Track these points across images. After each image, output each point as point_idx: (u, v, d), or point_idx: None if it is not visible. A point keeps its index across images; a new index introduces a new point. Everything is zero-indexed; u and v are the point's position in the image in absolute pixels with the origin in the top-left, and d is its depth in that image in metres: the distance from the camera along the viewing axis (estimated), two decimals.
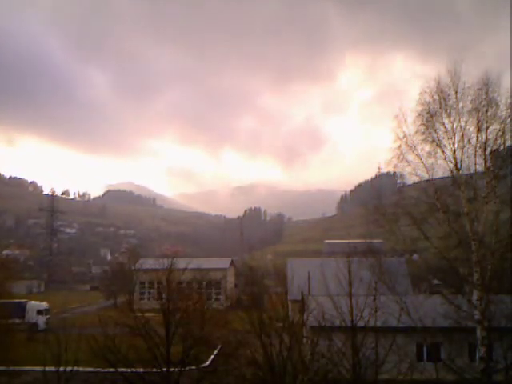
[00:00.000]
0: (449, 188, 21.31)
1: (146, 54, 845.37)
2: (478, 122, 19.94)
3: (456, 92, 20.46)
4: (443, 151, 20.72)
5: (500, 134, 19.73)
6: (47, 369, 18.65)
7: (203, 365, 22.51)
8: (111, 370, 18.70)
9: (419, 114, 21.25)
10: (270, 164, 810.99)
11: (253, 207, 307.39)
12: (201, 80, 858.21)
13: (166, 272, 21.54)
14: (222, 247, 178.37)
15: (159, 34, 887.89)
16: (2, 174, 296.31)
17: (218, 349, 23.67)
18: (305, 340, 18.11)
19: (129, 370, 18.62)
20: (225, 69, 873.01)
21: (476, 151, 20.05)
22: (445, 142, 20.68)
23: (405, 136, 21.38)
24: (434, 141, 20.87)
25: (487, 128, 19.87)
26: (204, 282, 55.96)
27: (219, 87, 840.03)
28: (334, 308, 16.51)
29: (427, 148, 21.03)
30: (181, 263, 27.81)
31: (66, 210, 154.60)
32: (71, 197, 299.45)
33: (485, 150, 19.95)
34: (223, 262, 74.98)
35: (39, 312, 47.53)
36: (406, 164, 21.48)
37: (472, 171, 20.39)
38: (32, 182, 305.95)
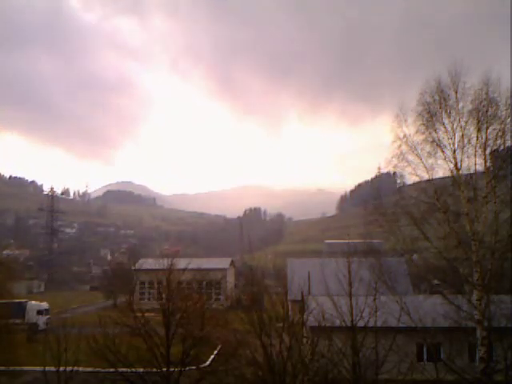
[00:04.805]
0: (449, 188, 21.27)
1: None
2: (478, 121, 19.91)
3: (456, 92, 20.44)
4: (443, 151, 20.71)
5: (500, 134, 19.70)
6: (47, 369, 18.67)
7: (203, 365, 22.52)
8: (111, 370, 18.70)
9: (419, 114, 21.23)
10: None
11: (253, 207, 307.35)
12: None
13: (166, 272, 21.53)
14: (222, 247, 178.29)
15: None
16: (1, 173, 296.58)
17: (218, 349, 23.67)
18: (305, 340, 18.10)
19: (129, 370, 18.62)
20: None
21: (476, 151, 20.03)
22: (445, 142, 20.67)
23: (405, 136, 21.38)
24: (433, 141, 20.85)
25: (487, 128, 19.83)
26: (204, 282, 55.91)
27: None
28: (334, 308, 16.51)
29: (427, 148, 21.02)
30: (181, 263, 27.79)
31: (65, 210, 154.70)
32: (71, 197, 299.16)
33: (485, 149, 19.92)
34: (223, 262, 74.95)
35: (39, 312, 47.48)
36: (405, 164, 21.48)
37: (472, 171, 20.37)
38: (32, 182, 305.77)
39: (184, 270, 27.06)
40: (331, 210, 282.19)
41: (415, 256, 26.78)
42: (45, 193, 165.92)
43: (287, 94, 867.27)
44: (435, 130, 20.87)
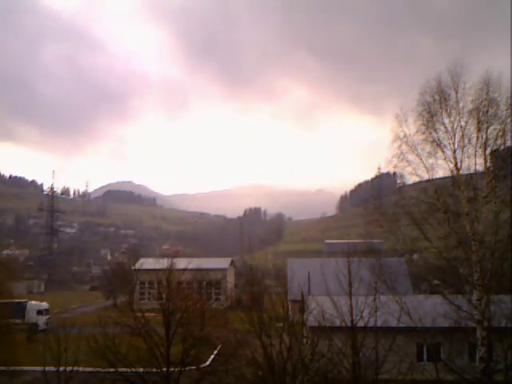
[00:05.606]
0: (449, 188, 21.27)
1: None
2: (479, 122, 19.90)
3: (456, 92, 20.43)
4: (443, 151, 20.71)
5: (500, 134, 19.70)
6: (47, 369, 18.68)
7: (203, 365, 22.54)
8: (111, 370, 18.71)
9: (419, 114, 21.22)
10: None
11: (253, 207, 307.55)
12: None
13: (166, 272, 21.55)
14: (222, 247, 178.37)
15: None
16: (2, 173, 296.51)
17: (217, 349, 23.69)
18: (305, 340, 18.10)
19: (129, 370, 18.63)
20: None
21: (476, 151, 20.03)
22: (445, 142, 20.67)
23: (405, 136, 21.38)
24: (434, 141, 20.85)
25: (487, 128, 19.83)
26: (204, 282, 55.99)
27: None
28: (334, 308, 16.50)
29: (427, 148, 21.01)
30: (181, 263, 27.83)
31: (65, 210, 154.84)
32: (71, 197, 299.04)
33: (485, 149, 19.92)
34: (223, 262, 74.98)
35: (39, 312, 47.53)
36: (406, 164, 21.47)
37: (472, 171, 20.37)
38: (32, 182, 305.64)
39: (184, 270, 27.12)
40: (331, 210, 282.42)
41: (415, 256, 26.81)
42: (45, 193, 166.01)
43: (288, 91, 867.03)
44: (435, 130, 20.87)
